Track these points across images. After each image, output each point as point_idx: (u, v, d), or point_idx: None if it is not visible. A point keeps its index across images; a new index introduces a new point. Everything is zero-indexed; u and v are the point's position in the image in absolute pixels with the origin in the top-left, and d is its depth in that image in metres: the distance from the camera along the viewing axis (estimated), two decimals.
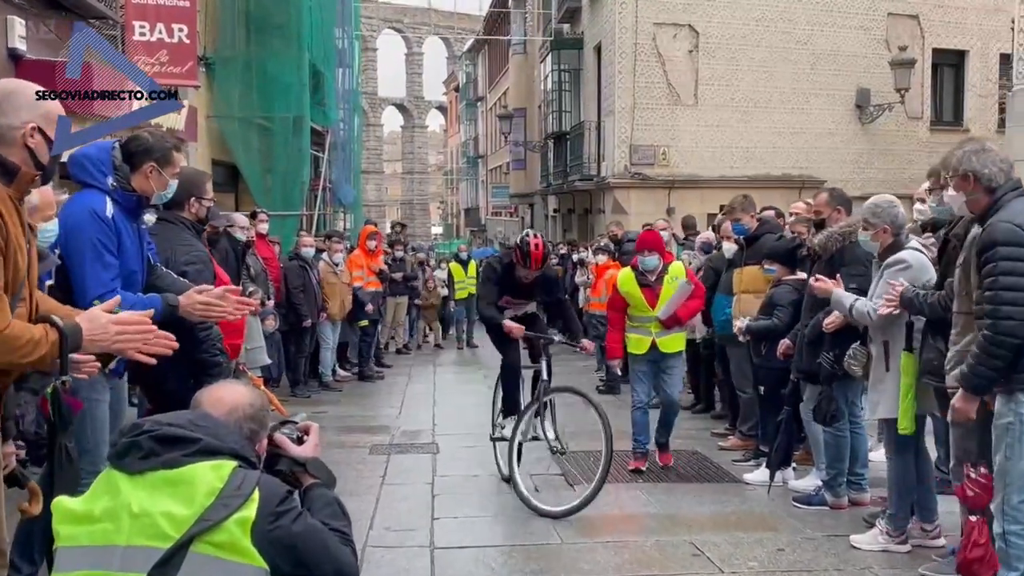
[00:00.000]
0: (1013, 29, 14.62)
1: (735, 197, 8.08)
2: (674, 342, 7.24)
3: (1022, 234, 3.80)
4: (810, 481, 6.51)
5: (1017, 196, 3.94)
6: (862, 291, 5.47)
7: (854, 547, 5.19)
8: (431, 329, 18.67)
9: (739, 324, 7.00)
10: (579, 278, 14.44)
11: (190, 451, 2.22)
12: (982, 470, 3.83)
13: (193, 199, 4.60)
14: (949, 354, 4.36)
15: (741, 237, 7.74)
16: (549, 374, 6.54)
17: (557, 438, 6.53)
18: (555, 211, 27.98)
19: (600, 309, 12.16)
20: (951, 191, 4.17)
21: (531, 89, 31.71)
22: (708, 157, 20.11)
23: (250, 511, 2.16)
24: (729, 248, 8.06)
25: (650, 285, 7.14)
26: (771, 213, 9.24)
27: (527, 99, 32.07)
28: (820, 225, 6.43)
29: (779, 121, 20.53)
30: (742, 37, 20.34)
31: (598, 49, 21.98)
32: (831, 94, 20.92)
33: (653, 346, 7.14)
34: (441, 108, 71.63)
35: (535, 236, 6.53)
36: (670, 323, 7.09)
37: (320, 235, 14.04)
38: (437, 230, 73.11)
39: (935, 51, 21.90)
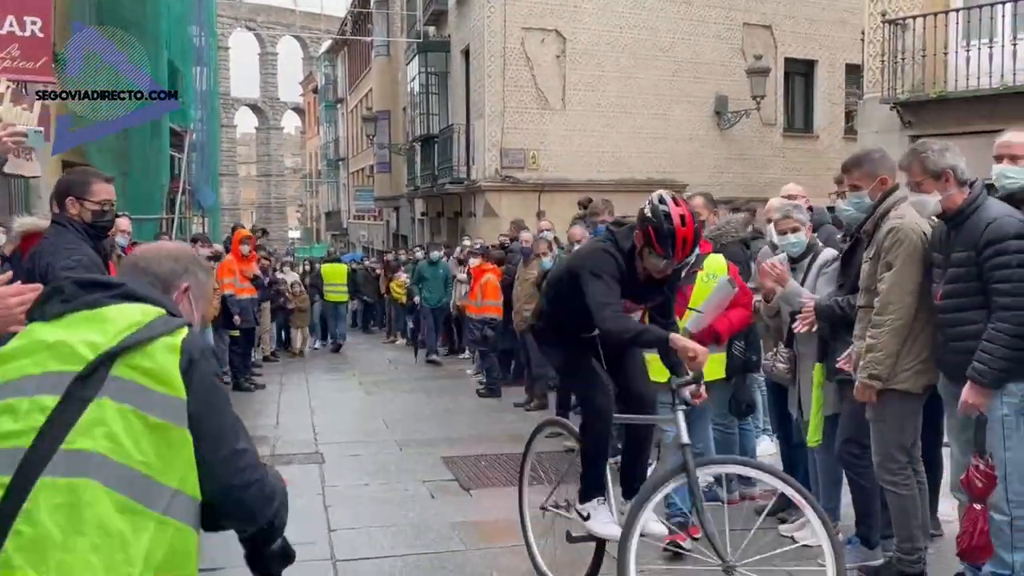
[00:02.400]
0: (863, 40, 15.41)
1: (595, 201, 8.05)
2: (710, 366, 4.94)
3: None
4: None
5: (988, 195, 4.15)
6: None
7: (784, 535, 5.30)
8: (301, 336, 18.28)
9: None
10: (461, 275, 14.32)
11: (113, 294, 2.14)
12: (989, 461, 3.94)
13: (70, 199, 4.32)
14: (857, 349, 4.49)
15: None
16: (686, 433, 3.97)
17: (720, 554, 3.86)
18: (423, 214, 27.81)
19: (477, 313, 12.15)
20: (918, 194, 4.23)
21: (395, 91, 31.44)
22: (576, 161, 20.41)
23: (178, 338, 2.07)
24: None
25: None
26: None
27: (391, 101, 31.78)
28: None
29: (643, 126, 21.05)
30: (607, 43, 20.73)
31: (466, 52, 21.98)
32: (691, 100, 21.59)
33: None
34: (298, 109, 70.24)
35: (674, 200, 3.93)
36: (704, 339, 5.11)
37: (181, 239, 13.48)
38: (295, 234, 71.70)
39: (787, 60, 22.90)
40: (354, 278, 20.85)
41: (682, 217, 3.85)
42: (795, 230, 5.25)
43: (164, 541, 1.96)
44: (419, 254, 17.95)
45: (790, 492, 3.80)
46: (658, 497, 3.98)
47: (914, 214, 4.34)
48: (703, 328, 5.32)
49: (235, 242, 13.10)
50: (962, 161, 4.20)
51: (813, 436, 5.05)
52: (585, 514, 4.38)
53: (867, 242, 4.51)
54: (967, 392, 4.02)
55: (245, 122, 72.56)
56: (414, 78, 25.16)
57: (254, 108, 68.92)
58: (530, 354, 10.46)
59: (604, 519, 4.34)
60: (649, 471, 6.56)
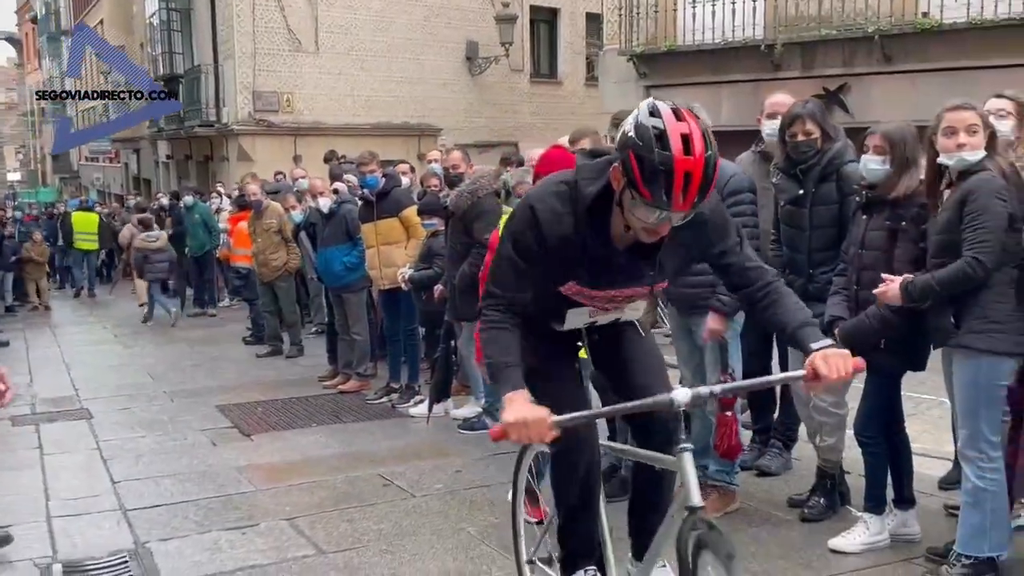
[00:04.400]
0: None
1: (363, 152, 8.23)
2: None
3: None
4: (470, 409, 7.21)
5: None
6: None
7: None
8: (38, 287, 17.30)
9: (402, 274, 7.41)
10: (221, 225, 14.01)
11: None
12: (732, 375, 4.61)
13: None
14: None
15: (371, 191, 7.84)
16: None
17: None
18: (168, 157, 26.62)
19: (242, 262, 12.09)
20: None
21: (131, 25, 29.59)
22: (332, 105, 20.35)
23: None
24: (325, 202, 8.37)
25: None
26: (405, 167, 9.77)
27: (127, 36, 29.86)
28: (457, 180, 7.04)
29: (397, 71, 21.23)
30: None
31: None
32: (443, 46, 22.00)
33: None
34: (12, 40, 64.09)
35: (675, 112, 2.43)
36: None
37: None
38: (15, 177, 66.08)
39: (532, 8, 23.73)
40: None
41: (685, 139, 2.37)
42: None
43: None
44: (165, 200, 17.35)
45: None
46: None
47: None
48: None
49: None
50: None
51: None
52: None
53: None
54: (713, 320, 4.70)
55: None
56: (154, 13, 23.84)
57: None
58: (280, 303, 10.54)
59: None
60: None
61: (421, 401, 7.56)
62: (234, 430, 7.20)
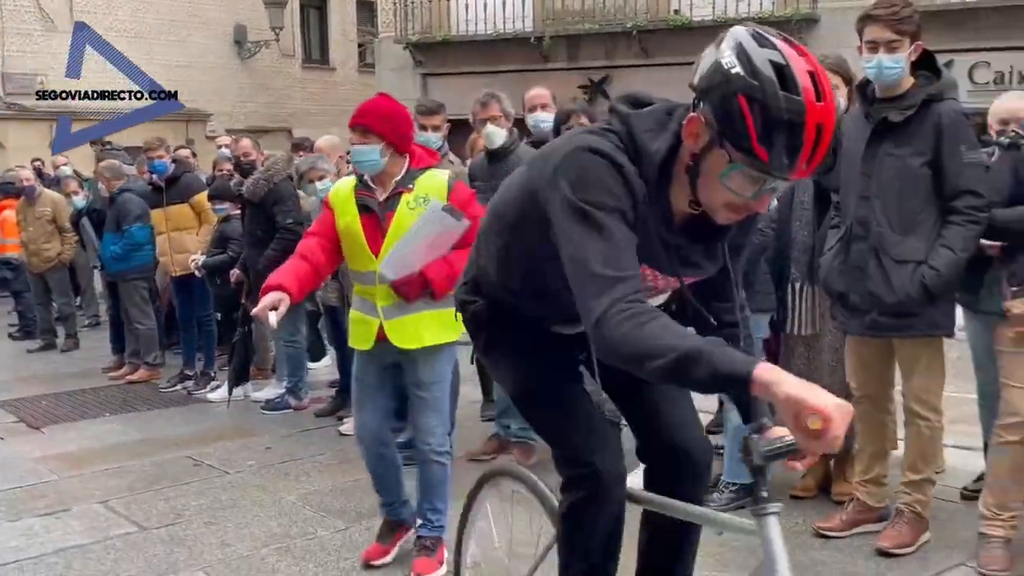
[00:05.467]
0: None
1: (150, 138, 8.12)
2: (417, 327, 3.69)
3: None
4: (271, 391, 7.33)
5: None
6: (297, 223, 6.43)
7: (343, 434, 6.11)
8: None
9: (195, 260, 7.36)
10: None
11: None
12: None
13: None
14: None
15: (160, 177, 7.76)
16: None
17: None
18: None
19: (12, 252, 11.44)
20: (496, 127, 5.28)
21: None
22: (93, 88, 19.31)
23: None
24: (77, 200, 8.18)
25: (374, 212, 3.64)
26: (186, 152, 9.67)
27: None
28: (249, 168, 7.13)
29: (160, 53, 20.41)
30: None
31: None
32: (211, 28, 21.43)
33: (381, 336, 3.70)
34: None
35: (792, 45, 1.78)
36: (411, 290, 3.64)
37: None
38: None
39: None
40: None
41: (814, 78, 1.74)
42: (321, 178, 6.16)
43: None
44: None
45: None
46: None
47: None
48: (406, 271, 3.61)
49: None
50: None
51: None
52: None
53: None
54: None
55: None
56: None
57: None
58: (53, 295, 10.09)
59: None
60: None
61: (219, 386, 7.58)
62: (21, 424, 6.95)
